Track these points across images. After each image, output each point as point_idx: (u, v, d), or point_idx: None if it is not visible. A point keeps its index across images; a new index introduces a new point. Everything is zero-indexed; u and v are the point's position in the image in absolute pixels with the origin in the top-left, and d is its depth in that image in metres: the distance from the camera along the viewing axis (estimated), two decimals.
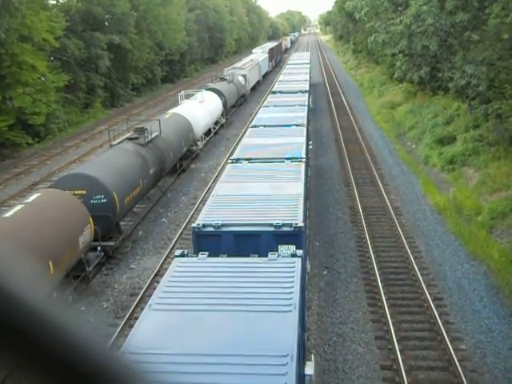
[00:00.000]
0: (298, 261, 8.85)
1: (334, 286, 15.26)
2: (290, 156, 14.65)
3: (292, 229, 9.99)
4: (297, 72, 41.46)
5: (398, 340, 12.39)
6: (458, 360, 11.46)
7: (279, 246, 9.41)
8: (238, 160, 14.91)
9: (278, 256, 8.97)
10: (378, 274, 15.46)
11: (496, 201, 19.19)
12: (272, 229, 10.01)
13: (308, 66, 47.90)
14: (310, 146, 22.00)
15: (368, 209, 20.95)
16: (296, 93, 28.67)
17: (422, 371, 11.49)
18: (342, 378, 11.41)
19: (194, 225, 10.41)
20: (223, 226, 10.17)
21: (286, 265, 8.66)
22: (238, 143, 24.39)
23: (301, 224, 10.10)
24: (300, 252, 9.19)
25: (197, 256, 9.15)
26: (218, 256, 9.30)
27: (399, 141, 31.93)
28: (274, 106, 24.19)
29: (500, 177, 20.62)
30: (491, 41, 22.71)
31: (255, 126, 19.78)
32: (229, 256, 9.39)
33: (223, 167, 20.87)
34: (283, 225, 10.06)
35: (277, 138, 17.26)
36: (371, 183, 24.27)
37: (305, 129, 19.02)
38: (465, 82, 24.67)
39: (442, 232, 18.61)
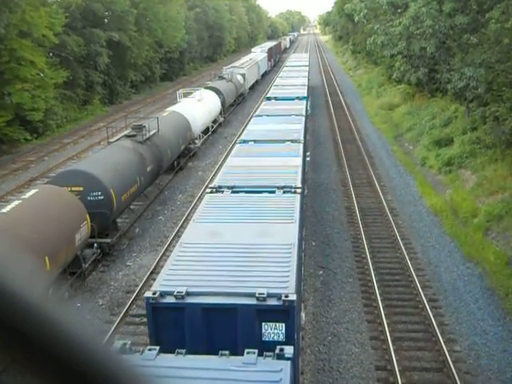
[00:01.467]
0: (286, 367, 6.15)
1: (330, 286, 15.28)
2: (282, 185, 11.95)
3: (280, 303, 7.42)
4: (294, 76, 39.15)
5: (392, 340, 12.42)
6: (453, 361, 11.50)
7: (263, 325, 7.45)
8: (219, 189, 12.17)
9: (262, 355, 6.39)
10: (373, 275, 15.49)
11: (492, 203, 19.24)
12: (253, 302, 7.46)
13: (307, 68, 45.85)
14: (308, 158, 20.13)
15: (365, 209, 20.97)
16: (293, 100, 26.34)
17: (416, 372, 11.52)
18: (336, 378, 11.43)
19: (147, 294, 7.78)
20: (188, 295, 7.57)
21: (267, 376, 6.02)
22: (224, 159, 22.47)
23: (292, 297, 7.45)
24: (289, 351, 6.51)
25: (142, 353, 6.60)
26: (174, 351, 6.60)
27: (397, 142, 31.96)
28: (268, 116, 21.60)
29: (496, 179, 20.67)
30: (490, 43, 22.73)
31: (244, 142, 17.09)
32: (189, 352, 6.63)
33: (202, 196, 18.92)
34: (268, 296, 7.44)
35: (268, 158, 14.60)
36: (368, 184, 24.29)
37: (301, 146, 16.31)
38: (463, 84, 24.69)
39: (438, 234, 18.65)
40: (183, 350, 6.65)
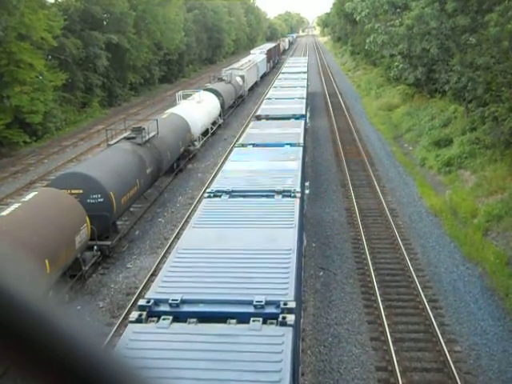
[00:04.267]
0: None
1: (330, 287, 15.28)
2: (263, 301, 6.45)
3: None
4: (291, 85, 33.16)
5: (393, 341, 12.41)
6: (453, 361, 11.49)
7: None
8: (156, 307, 6.57)
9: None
10: (373, 276, 15.49)
11: (492, 203, 19.25)
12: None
13: (305, 76, 39.70)
14: (307, 191, 16.94)
15: (364, 210, 20.97)
16: (288, 119, 20.66)
17: (416, 372, 11.52)
18: (336, 379, 11.43)
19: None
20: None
21: None
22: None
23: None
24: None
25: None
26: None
27: (396, 143, 31.98)
28: (254, 146, 15.76)
29: (496, 179, 20.68)
30: (489, 44, 22.72)
31: (215, 195, 11.04)
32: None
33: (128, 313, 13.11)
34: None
35: (246, 230, 9.06)
36: (368, 185, 24.30)
37: (298, 202, 10.46)
38: (461, 85, 24.72)
39: (438, 234, 18.65)
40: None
